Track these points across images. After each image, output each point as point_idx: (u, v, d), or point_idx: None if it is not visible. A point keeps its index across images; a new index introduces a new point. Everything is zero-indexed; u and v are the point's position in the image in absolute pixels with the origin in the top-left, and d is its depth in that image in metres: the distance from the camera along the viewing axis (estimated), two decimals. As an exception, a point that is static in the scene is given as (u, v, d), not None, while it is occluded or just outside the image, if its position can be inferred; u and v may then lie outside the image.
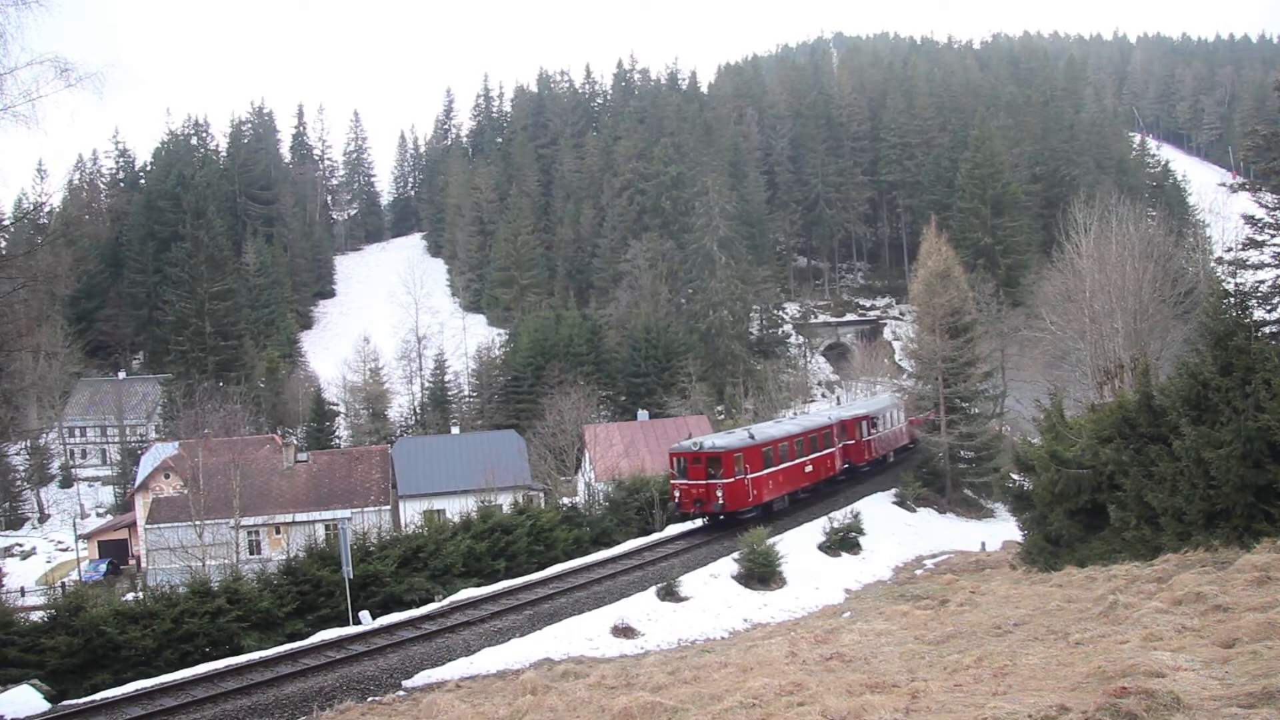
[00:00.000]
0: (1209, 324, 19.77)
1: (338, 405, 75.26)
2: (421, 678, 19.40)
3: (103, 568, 56.17)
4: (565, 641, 22.07)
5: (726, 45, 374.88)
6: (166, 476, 55.57)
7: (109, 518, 68.07)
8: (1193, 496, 18.30)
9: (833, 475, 39.79)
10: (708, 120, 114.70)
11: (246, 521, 46.54)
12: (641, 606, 25.21)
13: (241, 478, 44.49)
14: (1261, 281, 21.57)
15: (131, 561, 57.78)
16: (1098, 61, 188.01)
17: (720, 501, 30.41)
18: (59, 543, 64.27)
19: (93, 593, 25.90)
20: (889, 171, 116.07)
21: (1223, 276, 26.04)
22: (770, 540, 30.08)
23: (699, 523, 32.80)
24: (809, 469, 36.96)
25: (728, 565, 29.50)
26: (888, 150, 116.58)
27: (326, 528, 44.93)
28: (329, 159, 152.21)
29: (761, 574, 28.95)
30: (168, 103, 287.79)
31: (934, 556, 36.01)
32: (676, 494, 31.65)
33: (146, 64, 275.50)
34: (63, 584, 45.03)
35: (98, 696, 19.03)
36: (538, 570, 28.80)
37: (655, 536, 32.47)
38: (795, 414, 59.52)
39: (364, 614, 24.34)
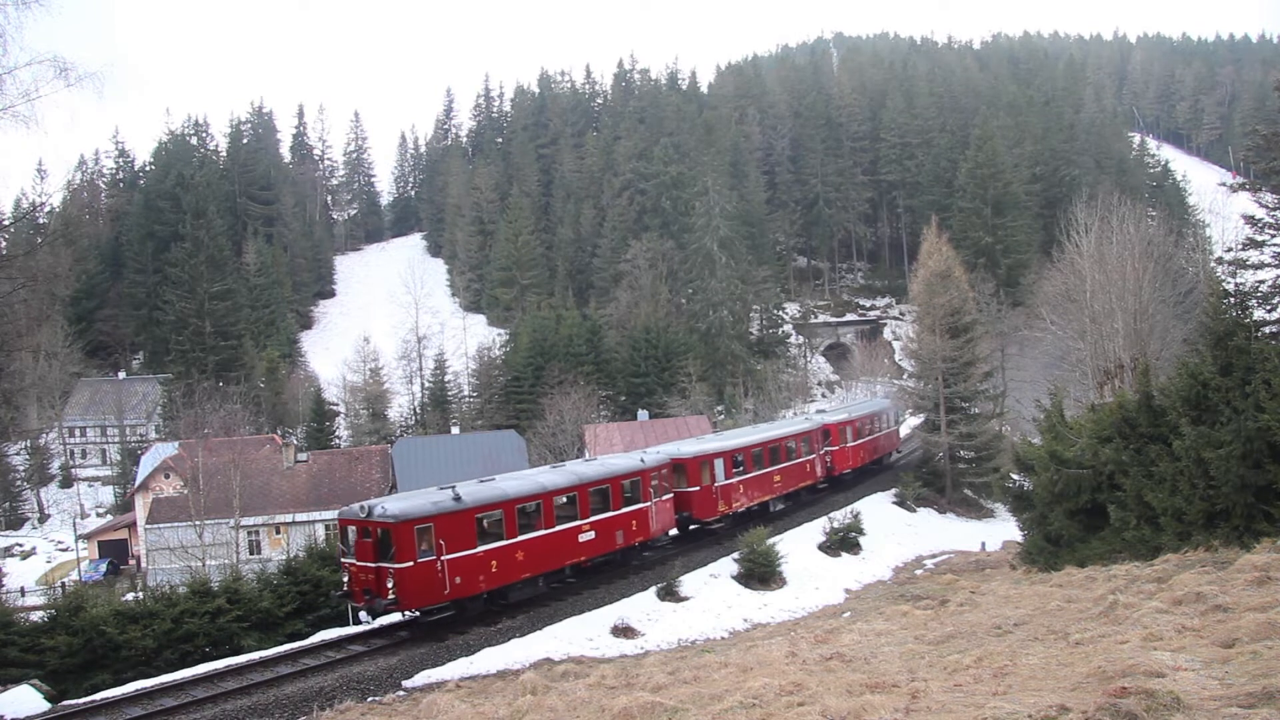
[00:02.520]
0: (1209, 324, 19.77)
1: (338, 405, 75.24)
2: (421, 678, 19.40)
3: (103, 568, 56.17)
4: (565, 641, 22.07)
5: (726, 45, 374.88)
6: (166, 476, 55.58)
7: (109, 518, 68.06)
8: (1193, 496, 18.31)
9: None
10: (708, 120, 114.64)
11: (246, 521, 46.58)
12: (641, 606, 25.21)
13: (241, 478, 44.53)
14: (1261, 281, 21.53)
15: (131, 561, 57.79)
16: (1098, 61, 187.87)
17: (391, 595, 20.06)
18: (59, 543, 64.26)
19: (93, 593, 25.92)
20: (889, 171, 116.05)
21: (1223, 276, 25.99)
22: (770, 540, 30.11)
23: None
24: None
25: (728, 565, 29.52)
26: (887, 150, 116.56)
27: (326, 528, 44.91)
28: (329, 159, 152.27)
29: (761, 574, 28.97)
30: (168, 103, 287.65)
31: (934, 556, 36.06)
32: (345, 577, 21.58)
33: (146, 64, 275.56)
34: (63, 584, 45.05)
35: (98, 696, 19.03)
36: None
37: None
38: (794, 414, 59.55)
39: (364, 613, 24.34)
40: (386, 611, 21.01)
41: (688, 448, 31.98)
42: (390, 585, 20.02)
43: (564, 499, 24.70)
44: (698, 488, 30.59)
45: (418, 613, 21.59)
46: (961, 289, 50.08)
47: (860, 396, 59.52)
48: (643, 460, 28.05)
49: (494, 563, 22.06)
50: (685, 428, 54.31)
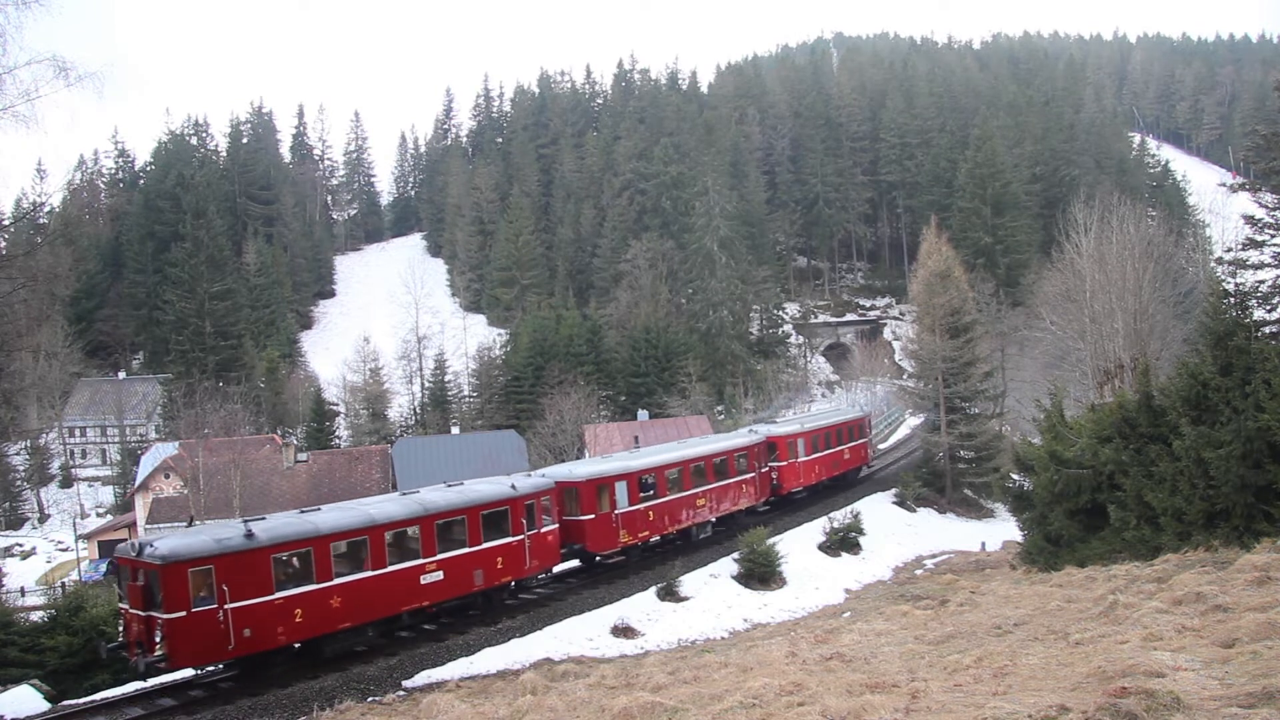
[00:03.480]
0: (1209, 324, 19.78)
1: (338, 405, 75.22)
2: (422, 677, 19.40)
3: (103, 568, 56.11)
4: (565, 641, 22.08)
5: (726, 45, 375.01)
6: (166, 476, 55.60)
7: (109, 518, 68.04)
8: (1193, 496, 18.31)
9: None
10: (708, 120, 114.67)
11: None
12: (641, 606, 25.21)
13: (241, 478, 44.60)
14: (1261, 281, 21.51)
15: (131, 561, 57.68)
16: (1098, 61, 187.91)
17: (160, 650, 16.75)
18: (59, 543, 64.22)
19: (93, 593, 25.90)
20: (889, 171, 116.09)
21: (1223, 276, 25.96)
22: (770, 540, 30.10)
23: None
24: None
25: (728, 565, 29.52)
26: (887, 150, 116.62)
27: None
28: (329, 159, 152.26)
29: (761, 574, 28.97)
30: (168, 103, 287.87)
31: (934, 556, 36.06)
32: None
33: (147, 64, 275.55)
34: (63, 584, 45.02)
35: (98, 696, 19.03)
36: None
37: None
38: (793, 414, 59.34)
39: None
40: (154, 671, 17.30)
41: (582, 469, 27.76)
42: (158, 638, 16.55)
43: (397, 534, 20.72)
44: (592, 515, 26.02)
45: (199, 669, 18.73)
46: (961, 289, 50.08)
47: (835, 404, 54.33)
48: (514, 487, 23.89)
49: (299, 611, 18.37)
50: (685, 428, 54.30)
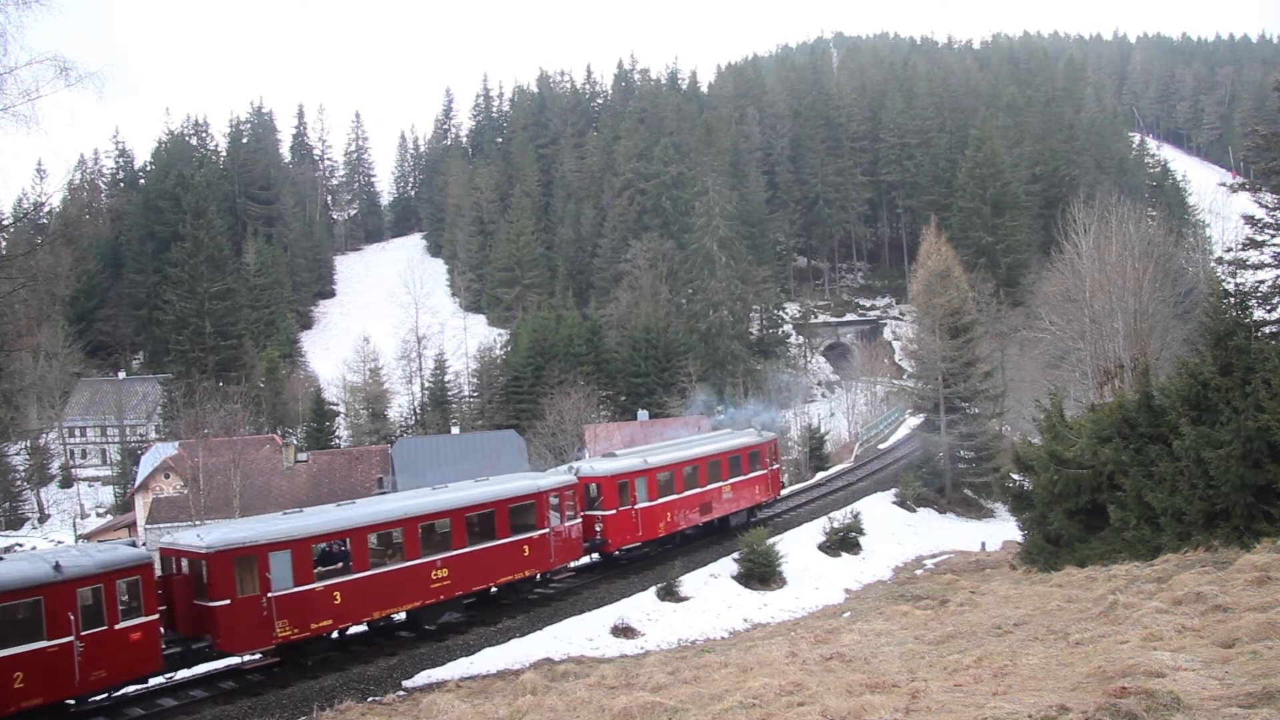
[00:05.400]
0: (1209, 324, 19.78)
1: (338, 405, 75.21)
2: (422, 677, 19.41)
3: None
4: (565, 641, 22.10)
5: (726, 45, 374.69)
6: (166, 476, 55.59)
7: (109, 518, 68.03)
8: (1193, 496, 18.32)
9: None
10: (708, 120, 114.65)
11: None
12: (641, 606, 25.23)
13: (241, 478, 44.59)
14: (1261, 281, 21.52)
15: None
16: (1098, 61, 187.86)
17: None
18: (59, 543, 64.17)
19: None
20: (888, 172, 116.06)
21: (1223, 276, 25.98)
22: (770, 540, 30.12)
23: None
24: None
25: (728, 565, 29.54)
26: (887, 150, 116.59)
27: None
28: (329, 159, 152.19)
29: (761, 574, 28.99)
30: (168, 103, 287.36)
31: (934, 556, 36.08)
32: None
33: (147, 64, 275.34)
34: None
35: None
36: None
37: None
38: (793, 414, 59.31)
39: None
40: None
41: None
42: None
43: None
44: (227, 600, 17.72)
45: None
46: (961, 289, 50.16)
47: (736, 428, 40.03)
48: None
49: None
50: (686, 428, 54.19)
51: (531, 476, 25.61)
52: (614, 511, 26.54)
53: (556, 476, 25.62)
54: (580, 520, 25.61)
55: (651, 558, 28.73)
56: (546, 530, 23.83)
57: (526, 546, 23.27)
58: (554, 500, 24.40)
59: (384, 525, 20.64)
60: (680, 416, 59.98)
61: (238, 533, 18.54)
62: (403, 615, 21.50)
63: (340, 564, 19.78)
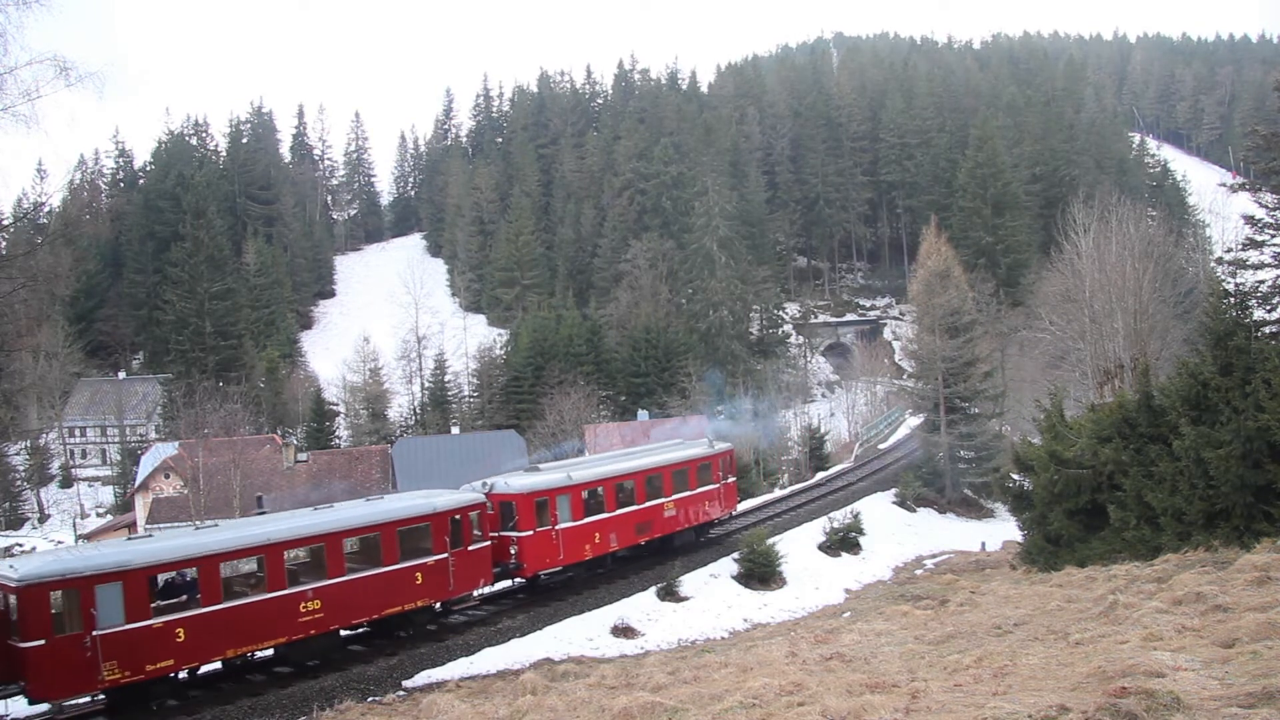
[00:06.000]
0: (1209, 324, 19.78)
1: (338, 405, 75.23)
2: (422, 677, 19.42)
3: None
4: (565, 641, 22.11)
5: (726, 45, 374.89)
6: (166, 476, 55.60)
7: (109, 518, 68.04)
8: (1192, 496, 18.32)
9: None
10: (708, 120, 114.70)
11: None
12: (641, 606, 25.24)
13: (241, 478, 44.61)
14: (1261, 281, 21.51)
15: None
16: (1098, 61, 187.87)
17: None
18: (59, 543, 64.14)
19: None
20: (888, 171, 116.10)
21: (1223, 276, 25.96)
22: (770, 540, 30.13)
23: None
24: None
25: (728, 565, 29.54)
26: (887, 150, 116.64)
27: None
28: (329, 159, 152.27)
29: (761, 574, 29.00)
30: (168, 103, 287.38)
31: (934, 556, 36.09)
32: None
33: (147, 64, 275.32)
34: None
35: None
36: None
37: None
38: (793, 414, 59.17)
39: None
40: None
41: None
42: None
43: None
44: (41, 641, 15.45)
45: None
46: (961, 289, 50.15)
47: (677, 437, 37.60)
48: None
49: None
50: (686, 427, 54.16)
51: (428, 495, 22.75)
52: (531, 533, 23.90)
53: (458, 495, 22.98)
54: (489, 543, 22.76)
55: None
56: (445, 555, 21.19)
57: (420, 574, 20.68)
58: (455, 521, 21.69)
59: (240, 552, 18.17)
60: (680, 416, 60.01)
61: (58, 563, 16.26)
62: (269, 652, 19.15)
63: (186, 597, 17.41)
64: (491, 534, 23.28)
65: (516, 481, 24.58)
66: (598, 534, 26.18)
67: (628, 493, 27.49)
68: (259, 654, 19.00)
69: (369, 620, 20.32)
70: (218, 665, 18.62)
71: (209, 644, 17.31)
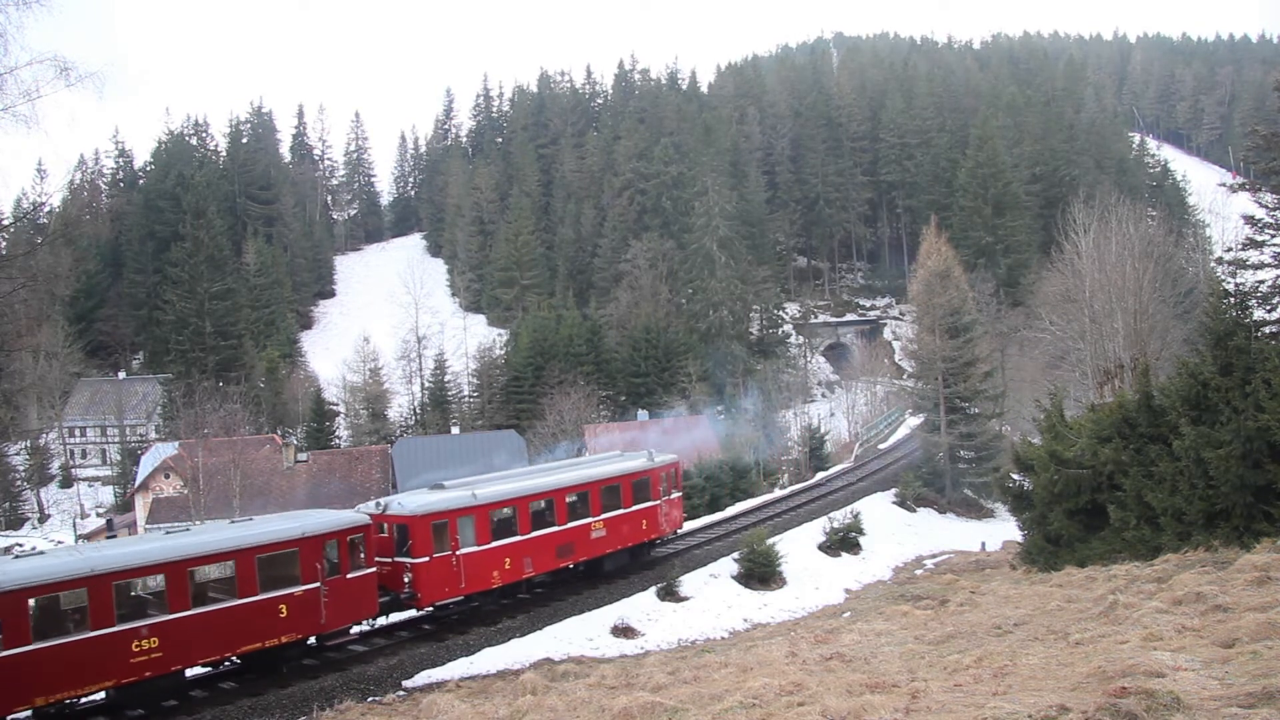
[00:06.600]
0: (1209, 324, 19.77)
1: (338, 405, 75.24)
2: (422, 678, 19.41)
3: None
4: (565, 641, 22.10)
5: (726, 45, 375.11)
6: (166, 476, 55.61)
7: (109, 518, 68.05)
8: (1192, 496, 18.32)
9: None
10: (708, 120, 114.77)
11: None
12: (641, 606, 25.24)
13: (241, 478, 44.62)
14: (1261, 281, 21.50)
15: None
16: (1098, 61, 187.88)
17: None
18: (59, 543, 64.15)
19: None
20: (888, 171, 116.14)
21: (1223, 276, 25.97)
22: (770, 540, 30.13)
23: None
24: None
25: (728, 565, 29.54)
26: (887, 150, 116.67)
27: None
28: (329, 159, 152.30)
29: (761, 574, 28.99)
30: (168, 103, 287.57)
31: (934, 556, 36.09)
32: None
33: (147, 64, 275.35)
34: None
35: (98, 696, 18.99)
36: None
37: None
38: (794, 414, 58.88)
39: None
40: None
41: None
42: None
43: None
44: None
45: None
46: (961, 289, 50.16)
47: (606, 452, 36.75)
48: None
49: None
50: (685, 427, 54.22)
51: (299, 516, 20.81)
52: (427, 559, 21.19)
53: (338, 515, 20.81)
54: (372, 571, 20.16)
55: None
56: (316, 585, 18.79)
57: (284, 605, 18.29)
58: (330, 546, 19.30)
59: (52, 587, 15.53)
60: (680, 415, 60.05)
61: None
62: (100, 695, 16.64)
63: None
64: (385, 560, 21.08)
65: (412, 502, 21.98)
66: (508, 559, 23.21)
67: (546, 512, 24.71)
68: (84, 699, 16.56)
69: (220, 658, 18.04)
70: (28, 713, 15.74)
71: (14, 691, 14.89)
